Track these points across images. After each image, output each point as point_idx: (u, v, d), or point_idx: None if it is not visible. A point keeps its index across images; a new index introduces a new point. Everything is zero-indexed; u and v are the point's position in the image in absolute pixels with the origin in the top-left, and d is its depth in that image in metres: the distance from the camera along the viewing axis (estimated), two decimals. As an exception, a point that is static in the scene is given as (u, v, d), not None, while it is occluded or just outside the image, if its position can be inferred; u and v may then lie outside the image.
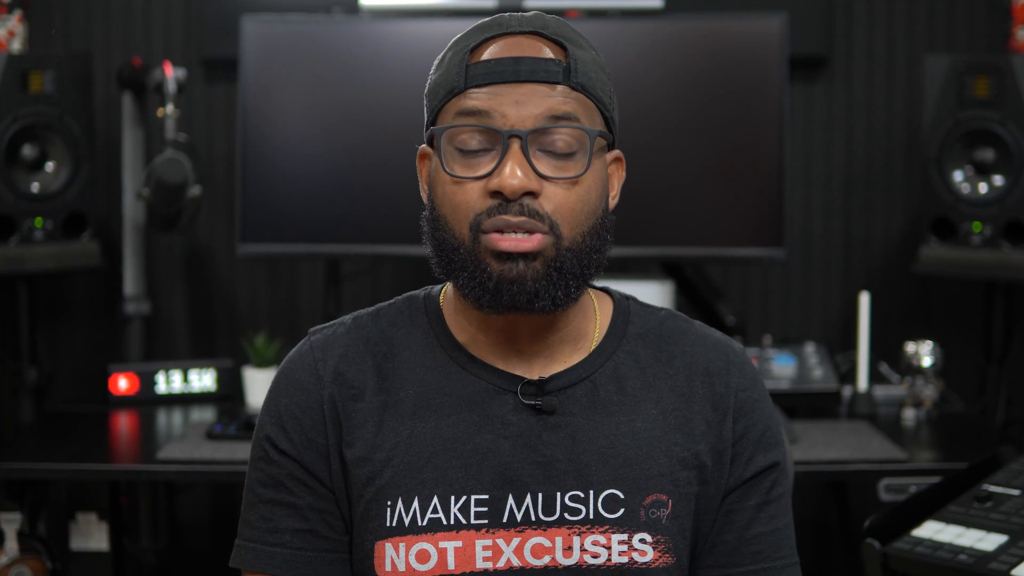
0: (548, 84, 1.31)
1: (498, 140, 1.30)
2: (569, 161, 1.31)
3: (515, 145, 1.29)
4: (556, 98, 1.31)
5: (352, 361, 1.39)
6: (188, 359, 3.17)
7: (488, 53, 1.33)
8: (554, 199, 1.30)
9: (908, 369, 2.85)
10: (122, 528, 3.01)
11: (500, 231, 1.29)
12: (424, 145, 1.39)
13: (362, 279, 3.23)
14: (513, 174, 1.28)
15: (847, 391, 2.88)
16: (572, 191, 1.31)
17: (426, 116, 1.38)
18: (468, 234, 1.30)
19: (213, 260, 3.27)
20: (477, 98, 1.31)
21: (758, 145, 2.82)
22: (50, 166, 2.87)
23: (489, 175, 1.30)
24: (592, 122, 1.34)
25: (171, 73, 2.94)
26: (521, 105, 1.30)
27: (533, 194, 1.29)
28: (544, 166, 1.30)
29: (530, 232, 1.29)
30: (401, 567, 1.33)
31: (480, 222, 1.29)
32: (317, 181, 2.87)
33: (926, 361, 2.84)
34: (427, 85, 1.38)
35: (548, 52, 1.33)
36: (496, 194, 1.29)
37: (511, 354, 1.37)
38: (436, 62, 1.38)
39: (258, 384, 2.90)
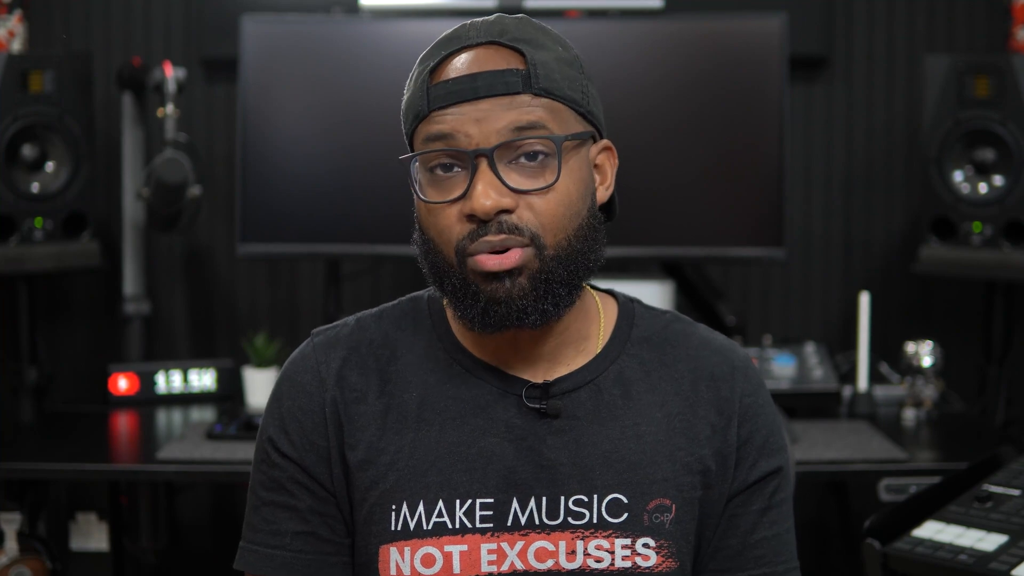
0: (508, 96, 1.28)
1: (466, 160, 1.28)
2: (541, 169, 1.29)
3: (483, 164, 1.27)
4: (518, 109, 1.28)
5: (355, 363, 1.39)
6: (188, 359, 3.17)
7: (447, 72, 1.30)
8: (532, 210, 1.28)
9: (908, 369, 2.85)
10: (122, 528, 3.01)
11: (482, 252, 1.28)
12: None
13: (362, 279, 3.23)
14: (485, 194, 1.26)
15: (847, 391, 2.88)
16: (550, 199, 1.29)
17: (405, 139, 1.37)
18: (455, 258, 1.30)
19: (213, 260, 3.27)
20: (441, 121, 1.29)
21: (758, 145, 2.82)
22: (50, 166, 2.86)
23: (462, 197, 1.28)
24: (563, 124, 1.31)
25: (171, 73, 2.94)
26: (482, 122, 1.28)
27: (508, 210, 1.27)
28: (516, 179, 1.28)
29: (512, 248, 1.27)
30: (406, 571, 1.32)
31: (464, 246, 1.28)
32: (317, 181, 2.87)
33: (926, 361, 2.84)
34: (401, 106, 1.36)
35: (505, 62, 1.30)
36: (472, 217, 1.28)
37: (514, 358, 1.37)
38: (407, 82, 1.36)
39: (258, 384, 2.90)
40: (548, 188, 1.29)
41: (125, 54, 3.19)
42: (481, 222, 1.27)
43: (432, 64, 1.32)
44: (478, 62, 1.30)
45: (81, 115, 2.88)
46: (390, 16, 2.98)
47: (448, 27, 1.37)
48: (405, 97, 1.36)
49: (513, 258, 1.27)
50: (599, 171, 1.37)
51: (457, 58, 1.31)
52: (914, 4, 3.21)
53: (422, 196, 1.31)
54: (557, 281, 1.30)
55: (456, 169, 1.29)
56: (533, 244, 1.28)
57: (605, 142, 1.38)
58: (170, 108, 2.93)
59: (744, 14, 2.95)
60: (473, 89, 1.28)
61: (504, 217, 1.27)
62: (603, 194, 1.38)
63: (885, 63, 3.23)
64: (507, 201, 1.27)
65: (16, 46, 3.13)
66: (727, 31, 2.87)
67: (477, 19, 1.35)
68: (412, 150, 1.34)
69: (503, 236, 1.27)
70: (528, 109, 1.28)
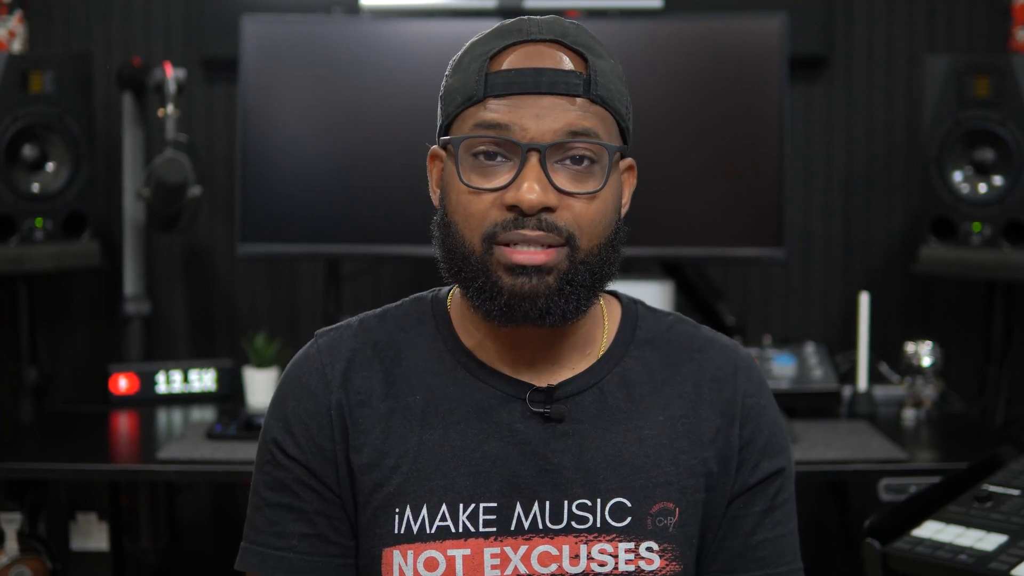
0: (568, 97, 1.29)
1: (516, 152, 1.28)
2: (588, 174, 1.30)
3: (533, 159, 1.28)
4: (576, 112, 1.29)
5: (360, 365, 1.38)
6: (188, 359, 3.17)
7: (508, 62, 1.31)
8: (572, 212, 1.29)
9: (908, 369, 2.85)
10: (122, 528, 3.01)
11: (514, 244, 1.28)
12: (436, 147, 1.38)
13: (362, 279, 3.23)
14: (531, 189, 1.27)
15: (847, 391, 2.88)
16: (591, 205, 1.30)
17: (440, 118, 1.36)
18: (480, 244, 1.29)
19: (213, 260, 3.27)
20: (496, 109, 1.29)
21: (758, 145, 2.82)
22: (50, 166, 2.86)
23: (506, 188, 1.28)
24: (610, 135, 1.33)
25: (171, 73, 2.94)
26: (541, 118, 1.28)
27: (550, 208, 1.28)
28: (562, 180, 1.29)
29: (546, 246, 1.28)
30: (409, 574, 1.32)
31: (495, 233, 1.28)
32: (317, 181, 2.87)
33: (926, 361, 2.84)
34: (443, 87, 1.36)
35: (568, 63, 1.31)
36: (513, 207, 1.28)
37: (519, 361, 1.37)
38: (453, 64, 1.36)
39: (258, 384, 2.90)
40: (594, 194, 1.30)
41: (125, 54, 3.18)
42: (521, 215, 1.28)
43: (492, 51, 1.32)
44: (542, 58, 1.31)
45: (81, 115, 2.88)
46: (390, 16, 2.98)
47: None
48: (448, 80, 1.35)
49: (545, 256, 1.28)
50: (621, 188, 1.38)
51: (519, 49, 1.32)
52: (914, 4, 3.21)
53: (463, 179, 1.30)
54: (581, 284, 1.31)
55: (500, 159, 1.29)
56: (568, 245, 1.29)
57: (630, 161, 1.40)
58: (170, 108, 2.93)
59: (744, 14, 2.95)
60: (536, 83, 1.29)
61: (545, 215, 1.28)
62: (623, 210, 1.39)
63: (885, 63, 3.23)
64: (552, 199, 1.28)
65: (16, 46, 3.13)
66: (727, 31, 2.87)
67: (535, 16, 1.36)
68: (449, 132, 1.34)
69: (540, 233, 1.28)
70: (584, 114, 1.30)
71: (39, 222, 2.82)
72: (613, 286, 1.45)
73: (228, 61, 3.01)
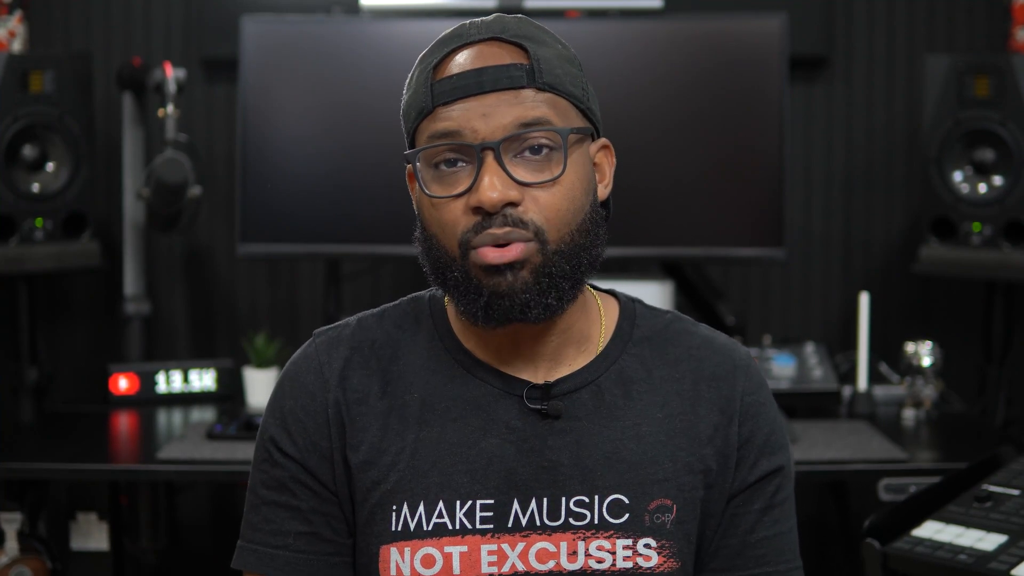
0: (513, 90, 1.29)
1: (472, 155, 1.29)
2: (546, 162, 1.30)
3: (489, 158, 1.28)
4: (524, 104, 1.29)
5: (357, 364, 1.39)
6: (188, 359, 3.17)
7: (450, 68, 1.31)
8: (537, 203, 1.29)
9: (908, 369, 2.85)
10: (122, 528, 3.01)
11: (485, 244, 1.28)
12: (409, 165, 1.39)
13: (362, 279, 3.23)
14: (492, 187, 1.27)
15: (847, 391, 2.88)
16: (555, 192, 1.30)
17: (405, 137, 1.37)
18: (458, 251, 1.30)
19: (213, 260, 3.27)
20: (446, 117, 1.29)
21: (758, 145, 2.82)
22: (50, 166, 2.87)
23: (468, 191, 1.29)
24: (566, 119, 1.32)
25: (171, 73, 2.94)
26: (489, 117, 1.28)
27: (514, 203, 1.28)
28: (522, 172, 1.29)
29: (516, 241, 1.28)
30: (406, 572, 1.33)
31: (468, 239, 1.29)
32: (317, 181, 2.87)
33: (926, 361, 2.84)
34: (401, 106, 1.37)
35: (509, 57, 1.31)
36: (478, 209, 1.28)
37: (515, 358, 1.37)
38: (407, 82, 1.37)
39: (258, 384, 2.90)
40: (554, 181, 1.30)
41: (125, 54, 3.19)
42: (486, 215, 1.28)
43: (434, 61, 1.32)
44: (482, 57, 1.31)
45: (81, 115, 2.88)
46: (390, 16, 2.98)
47: (448, 27, 1.37)
48: (405, 97, 1.36)
49: (515, 251, 1.28)
50: (598, 169, 1.38)
51: (460, 54, 1.32)
52: (914, 4, 3.21)
53: (427, 192, 1.31)
54: (560, 275, 1.30)
55: (460, 164, 1.30)
56: (537, 238, 1.29)
57: (604, 140, 1.39)
58: (170, 108, 2.93)
59: (744, 14, 2.95)
60: (479, 84, 1.29)
61: (509, 210, 1.28)
62: (603, 192, 1.38)
63: (885, 63, 3.23)
64: (513, 194, 1.28)
65: (16, 46, 3.13)
66: (727, 31, 2.87)
67: (476, 19, 1.36)
68: (413, 148, 1.34)
69: (507, 229, 1.28)
70: (533, 104, 1.29)
71: (39, 222, 2.83)
72: (612, 285, 1.45)
73: (228, 61, 3.02)
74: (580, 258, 1.32)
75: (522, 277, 1.29)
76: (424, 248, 1.35)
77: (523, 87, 1.30)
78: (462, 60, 1.31)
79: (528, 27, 1.34)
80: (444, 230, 1.31)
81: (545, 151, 1.30)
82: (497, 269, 1.28)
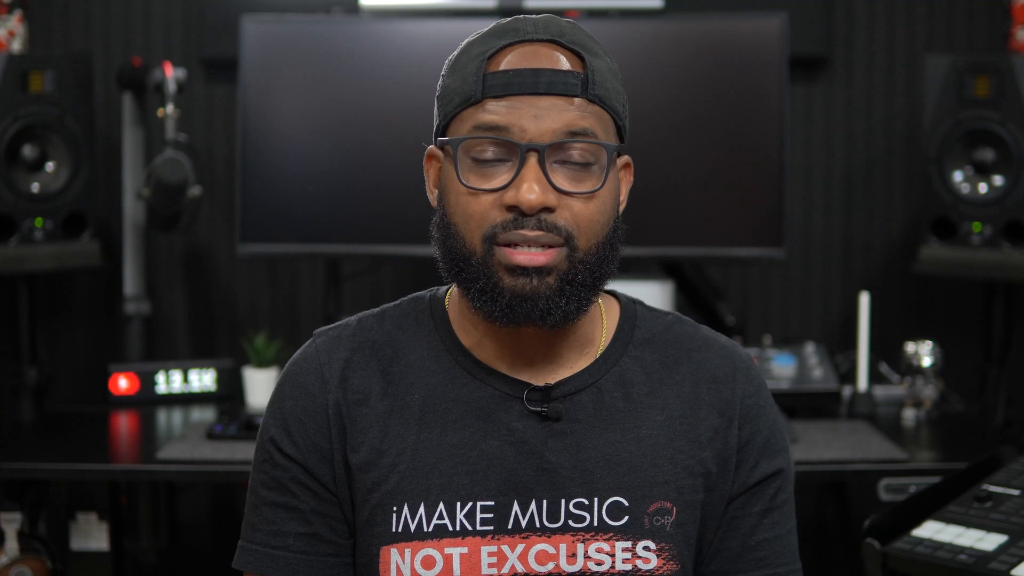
0: (566, 97, 1.30)
1: (515, 153, 1.29)
2: (586, 174, 1.30)
3: (532, 159, 1.28)
4: (574, 112, 1.29)
5: (358, 365, 1.39)
6: (188, 359, 3.17)
7: (506, 62, 1.31)
8: (571, 211, 1.29)
9: (908, 369, 2.85)
10: (122, 528, 3.01)
11: (515, 244, 1.28)
12: (433, 147, 1.38)
13: (362, 279, 3.23)
14: (531, 189, 1.27)
15: (847, 391, 2.88)
16: (589, 204, 1.30)
17: (437, 119, 1.36)
18: (481, 245, 1.30)
19: (213, 260, 3.27)
20: (495, 111, 1.29)
21: (758, 145, 2.82)
22: (50, 166, 2.87)
23: (505, 188, 1.29)
24: (607, 134, 1.33)
25: (171, 73, 2.94)
26: (539, 119, 1.29)
27: (550, 208, 1.28)
28: (561, 180, 1.29)
29: (546, 246, 1.28)
30: (406, 573, 1.33)
31: (495, 234, 1.29)
32: (317, 181, 2.87)
33: (926, 361, 2.84)
34: (439, 87, 1.36)
35: (565, 63, 1.31)
36: (513, 208, 1.28)
37: (517, 360, 1.37)
38: (449, 64, 1.36)
39: (258, 384, 2.90)
40: (593, 193, 1.30)
41: (125, 54, 3.19)
42: (521, 215, 1.28)
43: (489, 52, 1.32)
44: (539, 58, 1.31)
45: (81, 115, 2.88)
46: (390, 16, 2.98)
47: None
48: (445, 80, 1.35)
49: (547, 257, 1.28)
50: (621, 184, 1.39)
51: (516, 50, 1.32)
52: (914, 4, 3.21)
53: (462, 180, 1.31)
54: (582, 284, 1.31)
55: (499, 159, 1.30)
56: (567, 245, 1.29)
57: (626, 158, 1.40)
58: (170, 108, 2.93)
59: (744, 14, 2.95)
60: (534, 84, 1.29)
61: (545, 215, 1.28)
62: (620, 208, 1.39)
63: (885, 63, 3.23)
64: (551, 199, 1.28)
65: (16, 46, 3.13)
66: (727, 31, 2.87)
67: (531, 16, 1.36)
68: (446, 132, 1.34)
69: (540, 233, 1.28)
70: (583, 114, 1.30)
71: (39, 222, 2.83)
72: (613, 286, 1.45)
73: (228, 61, 3.02)
74: (602, 270, 1.33)
75: (547, 282, 1.29)
76: (441, 236, 1.34)
77: (576, 95, 1.30)
78: (519, 57, 1.31)
79: (582, 35, 1.35)
80: (469, 221, 1.30)
81: (585, 162, 1.30)
82: (523, 270, 1.28)
